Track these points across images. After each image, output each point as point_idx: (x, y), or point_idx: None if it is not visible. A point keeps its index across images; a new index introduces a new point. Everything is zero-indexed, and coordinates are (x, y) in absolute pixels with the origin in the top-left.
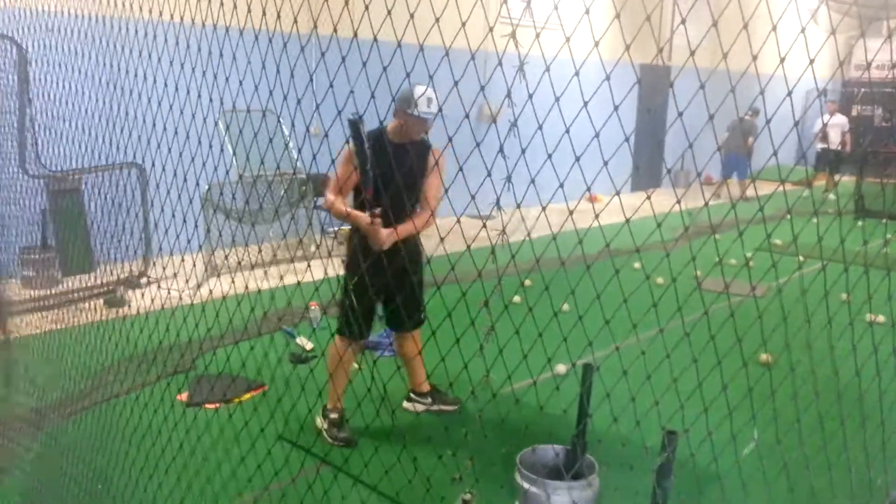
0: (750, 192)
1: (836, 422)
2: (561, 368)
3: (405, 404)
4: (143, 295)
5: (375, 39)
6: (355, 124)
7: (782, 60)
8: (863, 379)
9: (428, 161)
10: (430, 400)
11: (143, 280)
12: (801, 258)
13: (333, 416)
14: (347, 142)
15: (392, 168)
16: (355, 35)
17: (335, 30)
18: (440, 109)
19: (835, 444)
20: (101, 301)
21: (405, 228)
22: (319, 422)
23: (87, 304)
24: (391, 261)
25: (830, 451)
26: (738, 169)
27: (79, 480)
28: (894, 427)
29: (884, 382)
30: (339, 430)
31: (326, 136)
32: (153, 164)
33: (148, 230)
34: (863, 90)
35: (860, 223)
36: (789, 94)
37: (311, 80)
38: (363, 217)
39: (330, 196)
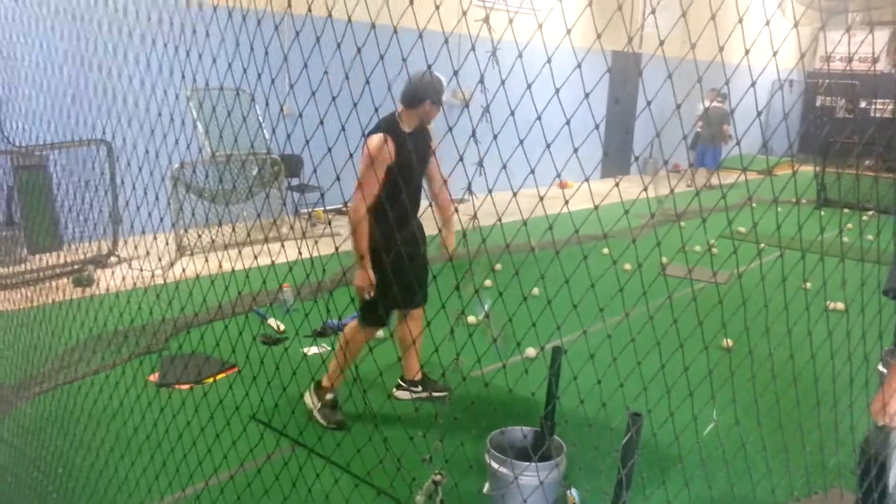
0: (714, 180)
1: (792, 404)
2: (531, 352)
3: (396, 392)
4: (112, 274)
5: (350, 20)
6: None
7: (747, 52)
8: (817, 363)
9: (431, 145)
10: (420, 388)
11: (112, 259)
12: (763, 245)
13: (329, 396)
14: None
15: (413, 157)
16: (329, 15)
17: (309, 9)
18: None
19: (790, 425)
20: (69, 280)
21: (450, 238)
22: (310, 400)
23: (54, 283)
24: (414, 255)
25: (786, 432)
26: (710, 158)
27: (38, 464)
28: (846, 410)
29: (837, 366)
30: (334, 413)
31: (301, 116)
32: (122, 141)
33: (117, 208)
34: (827, 81)
35: (821, 212)
36: (753, 84)
37: (286, 59)
38: (367, 271)
39: (360, 209)
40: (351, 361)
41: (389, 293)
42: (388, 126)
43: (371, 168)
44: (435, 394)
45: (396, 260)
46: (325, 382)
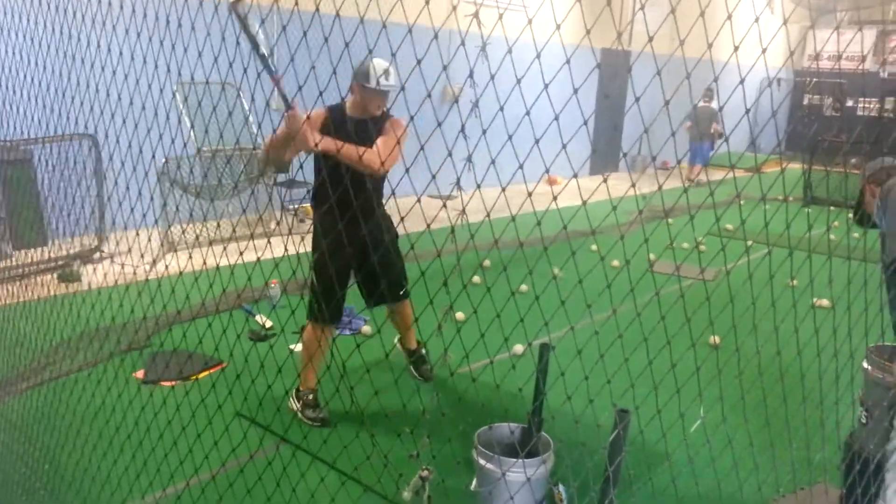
0: (702, 177)
1: (779, 400)
2: (518, 348)
3: (395, 340)
4: (97, 270)
5: (338, 14)
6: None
7: (736, 49)
8: (804, 360)
9: (384, 127)
10: (406, 356)
11: (98, 255)
12: (750, 243)
13: (308, 397)
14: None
15: (351, 141)
16: (317, 9)
17: (296, 3)
18: (403, 86)
19: (777, 421)
20: (54, 275)
21: (348, 150)
22: (292, 404)
23: (39, 279)
24: (352, 238)
25: (773, 428)
26: (700, 155)
27: (26, 459)
28: (832, 406)
29: (823, 363)
30: (314, 411)
31: (288, 109)
32: (109, 136)
33: (102, 203)
34: (814, 80)
35: (808, 210)
36: (741, 81)
37: (272, 53)
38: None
39: (274, 135)
40: (317, 360)
41: (331, 284)
42: (332, 108)
43: (296, 120)
44: (416, 373)
45: (330, 248)
46: (301, 387)
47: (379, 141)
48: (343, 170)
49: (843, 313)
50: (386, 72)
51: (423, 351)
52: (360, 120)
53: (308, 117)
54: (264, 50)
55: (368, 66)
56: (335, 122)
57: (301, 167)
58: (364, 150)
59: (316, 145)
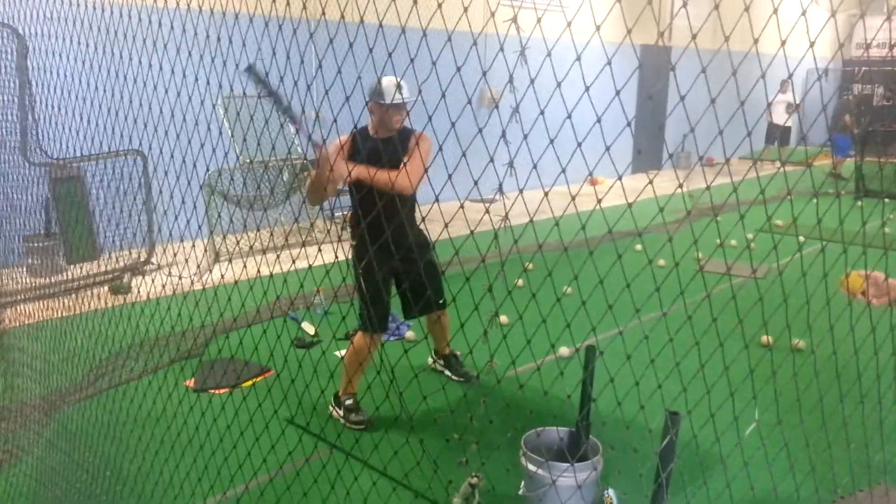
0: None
1: (836, 400)
2: (564, 351)
3: (429, 361)
4: (149, 281)
5: (381, 25)
6: (253, 71)
7: (783, 44)
8: (861, 358)
9: (410, 144)
10: (442, 363)
11: (149, 267)
12: (802, 239)
13: (348, 402)
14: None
15: (379, 161)
16: (361, 20)
17: (342, 16)
18: (420, 92)
19: (834, 422)
20: (107, 288)
21: (380, 177)
22: (334, 411)
23: (92, 292)
24: (398, 246)
25: (830, 429)
26: (842, 147)
27: (86, 467)
28: (891, 405)
29: (881, 361)
30: (357, 414)
31: (335, 121)
32: (160, 151)
33: (151, 216)
34: (864, 69)
35: (860, 203)
36: (790, 76)
37: (321, 66)
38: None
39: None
40: (362, 369)
41: (379, 293)
42: (357, 129)
43: (327, 161)
44: (452, 376)
45: (368, 266)
46: (341, 393)
47: (407, 161)
48: (376, 193)
49: None
50: (398, 86)
51: (458, 353)
52: (385, 139)
53: (341, 146)
54: (285, 101)
55: (379, 84)
56: (363, 145)
57: (349, 174)
58: (396, 174)
59: (349, 174)
